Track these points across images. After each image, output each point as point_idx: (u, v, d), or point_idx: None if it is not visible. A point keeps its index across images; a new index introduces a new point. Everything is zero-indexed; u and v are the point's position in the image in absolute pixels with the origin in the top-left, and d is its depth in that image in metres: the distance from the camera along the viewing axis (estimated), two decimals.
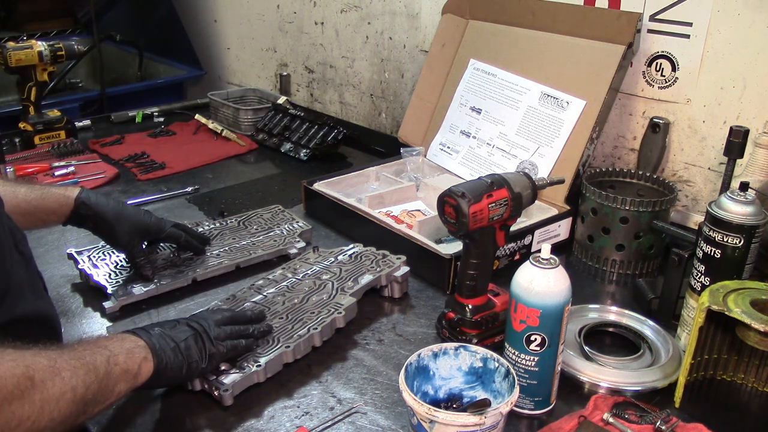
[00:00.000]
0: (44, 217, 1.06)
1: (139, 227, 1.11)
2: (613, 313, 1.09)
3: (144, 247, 1.16)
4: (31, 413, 0.64)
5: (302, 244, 1.28)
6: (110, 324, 1.06)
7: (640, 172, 1.32)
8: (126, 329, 0.84)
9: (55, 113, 1.87)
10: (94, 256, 1.19)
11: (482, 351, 0.84)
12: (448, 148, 1.55)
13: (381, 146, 1.85)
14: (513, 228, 1.05)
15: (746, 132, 1.10)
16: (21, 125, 1.82)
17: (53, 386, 0.66)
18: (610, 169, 1.34)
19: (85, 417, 0.72)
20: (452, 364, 0.85)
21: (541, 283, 0.81)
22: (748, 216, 0.92)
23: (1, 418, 0.61)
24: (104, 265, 1.17)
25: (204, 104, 2.21)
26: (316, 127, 1.84)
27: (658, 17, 1.30)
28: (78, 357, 0.72)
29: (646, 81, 1.35)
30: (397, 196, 1.43)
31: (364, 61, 1.95)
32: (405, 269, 1.15)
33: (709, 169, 1.32)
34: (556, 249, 1.11)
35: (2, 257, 0.78)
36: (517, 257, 1.24)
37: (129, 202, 1.45)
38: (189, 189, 1.59)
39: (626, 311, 1.08)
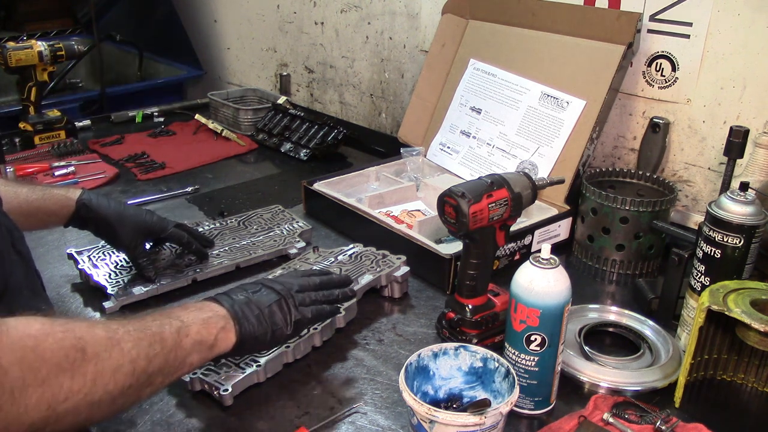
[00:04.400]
0: (45, 219, 1.06)
1: (141, 227, 1.11)
2: (613, 313, 1.09)
3: (147, 248, 1.16)
4: (82, 386, 0.62)
5: (302, 244, 1.28)
6: None
7: (640, 172, 1.32)
8: (208, 297, 0.84)
9: (55, 113, 1.87)
10: (94, 256, 1.19)
11: (482, 351, 0.84)
12: (448, 148, 1.55)
13: (381, 146, 1.85)
14: (513, 228, 1.05)
15: (746, 132, 1.10)
16: (21, 125, 1.82)
17: (109, 358, 0.65)
18: (610, 169, 1.34)
19: (152, 389, 0.71)
20: (452, 364, 0.85)
21: (541, 283, 0.81)
22: (748, 216, 0.92)
23: (47, 392, 0.60)
24: (104, 265, 1.17)
25: (204, 104, 2.21)
26: (316, 127, 1.84)
27: (658, 17, 1.30)
28: (143, 328, 0.70)
29: (646, 81, 1.35)
30: (397, 196, 1.43)
31: (364, 61, 1.95)
32: (405, 269, 1.15)
33: (709, 169, 1.32)
34: (556, 249, 1.11)
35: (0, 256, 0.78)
36: (517, 257, 1.24)
37: (129, 202, 1.45)
38: (189, 189, 1.59)
39: (626, 311, 1.08)
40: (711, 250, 0.96)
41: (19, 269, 0.84)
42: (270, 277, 1.06)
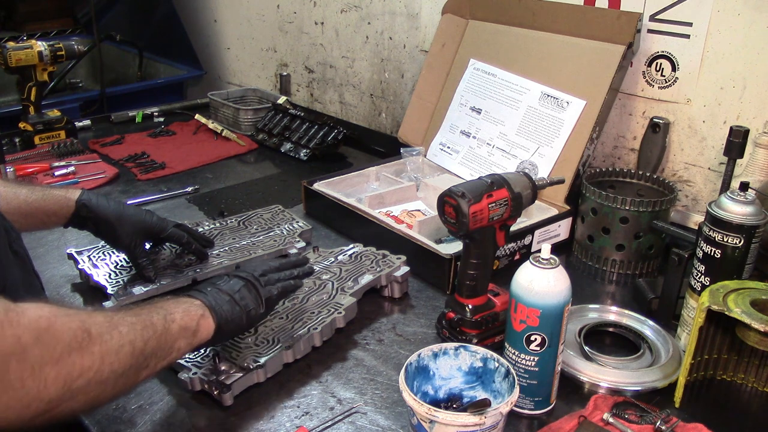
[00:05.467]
0: (44, 219, 1.06)
1: (141, 227, 1.11)
2: (613, 313, 1.09)
3: (147, 248, 1.16)
4: (92, 364, 0.65)
5: (302, 244, 1.28)
6: None
7: (640, 172, 1.32)
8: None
9: (55, 113, 1.87)
10: (94, 256, 1.19)
11: (482, 351, 0.84)
12: (448, 148, 1.55)
13: (381, 146, 1.85)
14: (513, 228, 1.05)
15: (746, 132, 1.10)
16: (21, 125, 1.82)
17: (111, 339, 0.68)
18: (610, 169, 1.34)
19: (148, 372, 0.74)
20: (452, 364, 0.85)
21: (541, 283, 0.81)
22: (748, 216, 0.92)
23: (63, 369, 0.63)
24: (104, 265, 1.17)
25: (204, 104, 2.21)
26: (316, 127, 1.84)
27: (658, 17, 1.30)
28: (135, 314, 0.75)
29: (646, 81, 1.35)
30: (397, 196, 1.43)
31: (364, 61, 1.95)
32: (405, 269, 1.15)
33: (709, 169, 1.32)
34: (556, 249, 1.11)
35: None
36: (517, 257, 1.24)
37: (129, 202, 1.45)
38: (189, 189, 1.59)
39: (626, 311, 1.08)
40: (711, 250, 0.96)
41: (16, 269, 0.84)
42: None
